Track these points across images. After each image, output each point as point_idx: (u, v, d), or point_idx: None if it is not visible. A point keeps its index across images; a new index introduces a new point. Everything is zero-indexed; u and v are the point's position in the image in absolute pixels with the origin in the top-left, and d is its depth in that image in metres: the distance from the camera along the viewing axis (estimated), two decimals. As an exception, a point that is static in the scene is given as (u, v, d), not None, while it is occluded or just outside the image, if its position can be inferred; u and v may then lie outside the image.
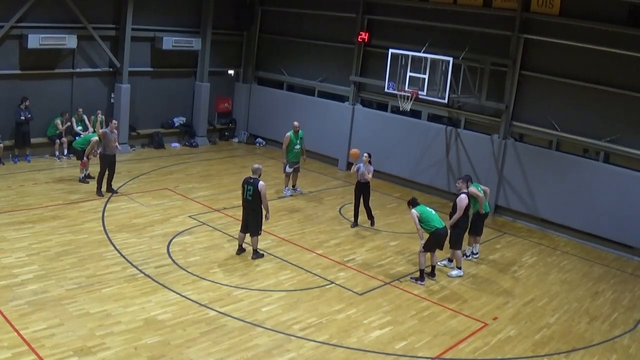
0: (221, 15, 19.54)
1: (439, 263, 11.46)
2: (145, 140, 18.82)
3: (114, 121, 14.05)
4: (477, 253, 12.32)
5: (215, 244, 11.66)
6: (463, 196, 11.04)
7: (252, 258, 11.13)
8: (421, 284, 10.77)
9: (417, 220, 10.62)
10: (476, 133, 15.93)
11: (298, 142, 15.07)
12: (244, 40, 20.81)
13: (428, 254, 10.92)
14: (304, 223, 13.46)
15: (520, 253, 13.10)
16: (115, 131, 13.82)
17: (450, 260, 11.62)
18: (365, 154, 13.15)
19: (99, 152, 16.46)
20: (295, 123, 15.17)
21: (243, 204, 11.09)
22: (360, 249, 12.29)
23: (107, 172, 13.77)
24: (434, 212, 10.91)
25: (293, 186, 15.48)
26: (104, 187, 13.76)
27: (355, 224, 13.50)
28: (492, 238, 13.82)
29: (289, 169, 15.13)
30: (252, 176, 10.93)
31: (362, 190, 13.32)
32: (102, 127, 16.74)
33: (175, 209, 13.35)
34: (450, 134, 16.23)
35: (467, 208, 11.06)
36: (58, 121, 16.13)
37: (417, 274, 10.92)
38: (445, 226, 10.78)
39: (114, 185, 14.02)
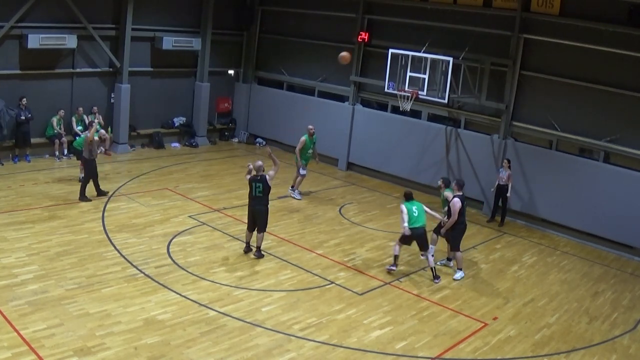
0: (221, 15, 19.53)
1: (438, 263, 11.48)
2: (145, 140, 18.82)
3: (95, 124, 14.27)
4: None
5: (215, 244, 11.66)
6: (456, 200, 10.89)
7: (255, 255, 11.15)
8: (392, 269, 11.02)
9: (402, 215, 10.79)
10: (476, 133, 15.93)
11: (312, 146, 15.02)
12: (244, 40, 20.81)
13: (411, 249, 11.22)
14: (304, 223, 13.47)
15: (520, 253, 13.10)
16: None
17: (449, 260, 11.63)
18: (505, 160, 14.40)
19: (99, 151, 16.51)
20: (310, 126, 15.07)
21: (251, 202, 11.10)
22: (360, 249, 12.29)
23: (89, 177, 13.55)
24: (417, 212, 10.78)
25: (292, 186, 15.46)
26: (93, 192, 13.54)
27: (491, 219, 14.99)
28: (492, 238, 13.83)
29: (302, 171, 15.00)
30: (258, 173, 10.99)
31: (502, 192, 14.41)
32: (100, 128, 16.82)
33: (175, 209, 13.35)
34: (450, 134, 16.23)
35: (461, 211, 10.92)
36: (54, 120, 16.13)
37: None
38: (422, 226, 10.80)
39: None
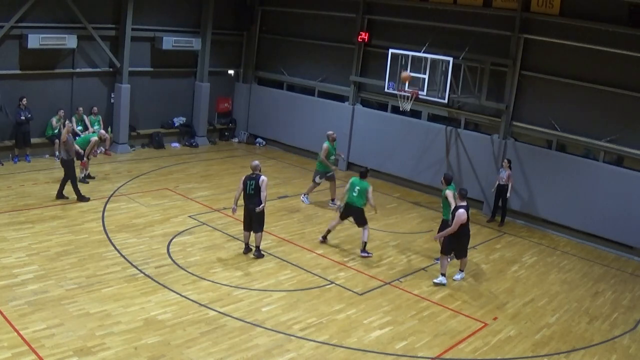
0: (221, 15, 19.54)
1: (433, 281, 10.91)
2: (145, 140, 18.82)
3: (68, 124, 14.02)
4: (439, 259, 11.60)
5: (215, 244, 11.66)
6: (461, 211, 10.47)
7: (254, 255, 11.15)
8: (322, 240, 12.19)
9: (346, 187, 11.93)
10: (476, 133, 15.94)
11: (334, 152, 14.68)
12: (244, 40, 20.81)
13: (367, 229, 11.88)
14: (304, 223, 13.46)
15: (520, 253, 13.10)
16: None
17: (443, 275, 10.93)
18: (505, 160, 14.43)
19: (98, 152, 16.54)
20: (330, 132, 14.72)
21: (244, 200, 11.08)
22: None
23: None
24: (357, 193, 11.59)
25: (332, 200, 14.91)
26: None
27: (491, 219, 15.04)
28: (492, 238, 13.84)
29: (318, 179, 14.67)
30: (253, 172, 10.98)
31: (502, 192, 14.46)
32: (101, 127, 16.84)
33: (175, 209, 13.35)
34: (450, 134, 16.23)
35: (464, 223, 10.46)
36: (54, 120, 16.13)
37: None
38: (356, 206, 11.62)
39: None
